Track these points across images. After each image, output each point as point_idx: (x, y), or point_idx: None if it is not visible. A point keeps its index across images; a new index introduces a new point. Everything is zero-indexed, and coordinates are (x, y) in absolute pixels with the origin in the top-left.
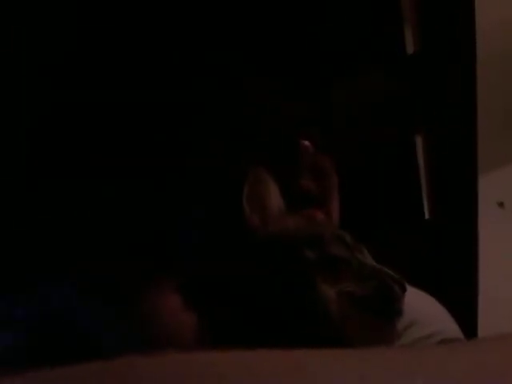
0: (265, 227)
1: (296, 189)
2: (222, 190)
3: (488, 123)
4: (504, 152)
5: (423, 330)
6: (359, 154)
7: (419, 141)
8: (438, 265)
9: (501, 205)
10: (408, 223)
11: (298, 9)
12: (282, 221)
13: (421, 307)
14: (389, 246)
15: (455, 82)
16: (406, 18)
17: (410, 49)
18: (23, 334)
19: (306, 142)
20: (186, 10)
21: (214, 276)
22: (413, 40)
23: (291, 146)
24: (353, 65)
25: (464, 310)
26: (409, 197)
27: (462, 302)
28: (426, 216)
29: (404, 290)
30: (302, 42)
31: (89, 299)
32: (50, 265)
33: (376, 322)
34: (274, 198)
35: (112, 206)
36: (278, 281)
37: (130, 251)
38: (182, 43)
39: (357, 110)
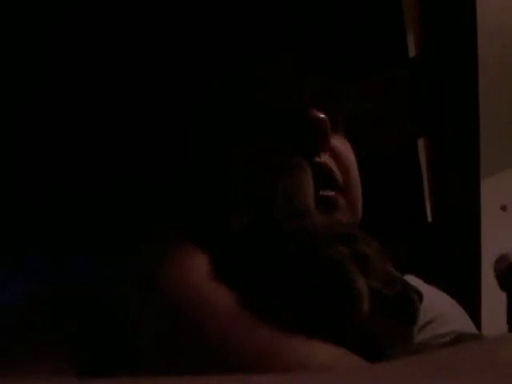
0: (295, 221)
1: (314, 167)
2: (256, 178)
3: (491, 127)
4: (507, 156)
5: (443, 327)
6: (361, 157)
7: (421, 144)
8: (440, 268)
9: (504, 208)
10: (410, 226)
11: (298, 11)
12: (311, 216)
13: (442, 306)
14: (391, 249)
15: (457, 86)
16: (407, 21)
17: (411, 52)
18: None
19: (323, 116)
20: None
21: (247, 262)
22: (414, 43)
23: (307, 121)
24: (354, 68)
25: (467, 311)
26: (411, 200)
27: (465, 305)
28: (429, 219)
29: (421, 300)
30: (301, 46)
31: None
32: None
33: (395, 325)
34: (307, 192)
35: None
36: (315, 270)
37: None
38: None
39: (358, 114)
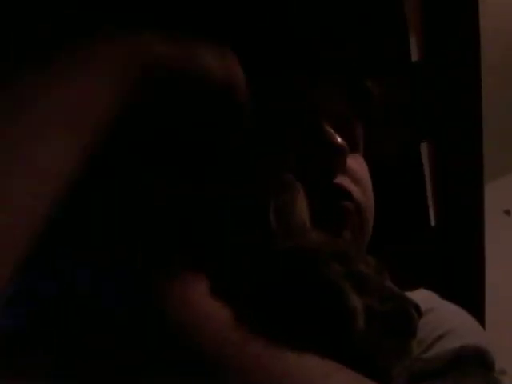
0: (289, 239)
1: (331, 189)
2: (247, 198)
3: (493, 130)
4: (510, 160)
5: (454, 342)
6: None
7: (424, 148)
8: (444, 272)
9: (507, 212)
10: (414, 230)
11: (298, 14)
12: (306, 234)
13: (455, 321)
14: (394, 253)
15: (460, 90)
16: (410, 25)
17: (414, 56)
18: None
19: (341, 141)
20: None
21: (242, 281)
22: (417, 47)
23: (322, 145)
24: (356, 73)
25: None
26: (414, 204)
27: (468, 309)
28: (432, 223)
29: (420, 314)
30: (300, 49)
31: (111, 283)
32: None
33: (392, 340)
34: (301, 209)
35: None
36: (308, 289)
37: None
38: None
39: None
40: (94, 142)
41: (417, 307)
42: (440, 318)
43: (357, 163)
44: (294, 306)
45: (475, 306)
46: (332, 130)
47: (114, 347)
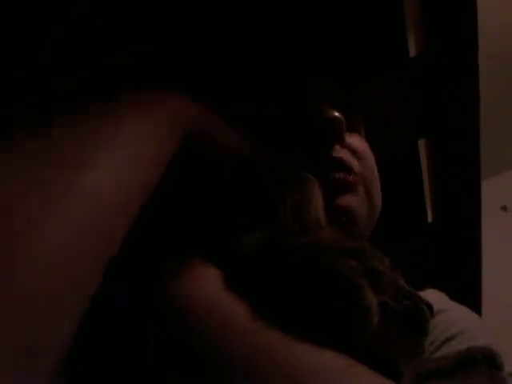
0: (305, 235)
1: (331, 161)
2: (264, 195)
3: (491, 127)
4: (508, 156)
5: (464, 343)
6: None
7: (422, 145)
8: (441, 269)
9: (504, 208)
10: (411, 227)
11: (296, 15)
12: (322, 230)
13: (465, 322)
14: (392, 251)
15: (458, 86)
16: (408, 21)
17: (412, 52)
18: None
19: (338, 114)
20: None
21: (259, 277)
22: (415, 43)
23: (323, 118)
24: (354, 71)
25: None
26: (411, 201)
27: (464, 305)
28: (430, 220)
29: (432, 313)
30: (300, 49)
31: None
32: None
33: (405, 337)
34: (316, 205)
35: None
36: (326, 285)
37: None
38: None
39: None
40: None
41: (430, 307)
42: (450, 319)
43: (356, 140)
44: (309, 301)
45: (472, 303)
46: (329, 108)
47: (123, 344)
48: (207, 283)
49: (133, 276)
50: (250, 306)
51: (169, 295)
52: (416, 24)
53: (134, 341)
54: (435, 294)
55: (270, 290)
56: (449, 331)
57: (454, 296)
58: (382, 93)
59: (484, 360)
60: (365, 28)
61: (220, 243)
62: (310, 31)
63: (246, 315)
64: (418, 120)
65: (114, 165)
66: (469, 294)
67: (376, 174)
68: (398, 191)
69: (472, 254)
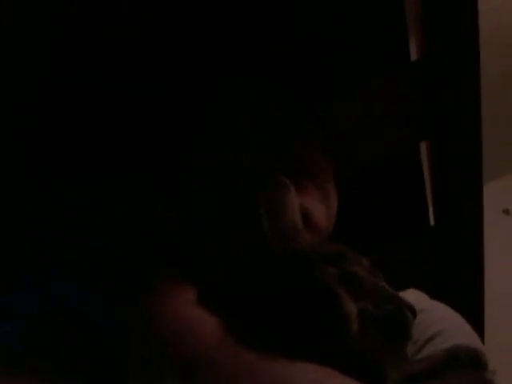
0: (283, 242)
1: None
2: (238, 199)
3: (493, 130)
4: (510, 159)
5: (444, 342)
6: (363, 161)
7: (423, 148)
8: (443, 272)
9: (506, 212)
10: (413, 230)
11: (297, 16)
12: (299, 236)
13: (444, 321)
14: (393, 253)
15: (459, 89)
16: (409, 24)
17: (413, 56)
18: (23, 322)
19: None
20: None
21: (234, 287)
22: (416, 47)
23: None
24: (355, 72)
25: (470, 316)
26: (413, 203)
27: (467, 308)
28: (432, 223)
29: (415, 316)
30: (301, 50)
31: (93, 296)
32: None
33: (387, 342)
34: (293, 210)
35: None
36: (302, 294)
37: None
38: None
39: (359, 118)
40: None
41: (412, 309)
42: (431, 318)
43: (307, 200)
44: (286, 311)
45: (474, 305)
46: None
47: (102, 358)
48: (178, 301)
49: (107, 287)
50: (221, 321)
51: (141, 309)
52: (417, 24)
53: (107, 351)
54: (415, 293)
55: (246, 300)
56: (430, 330)
57: (457, 299)
58: (382, 93)
59: (468, 360)
60: (365, 28)
61: (196, 252)
62: (310, 31)
63: (220, 331)
64: (419, 121)
65: None
66: (471, 297)
67: (334, 187)
68: (400, 194)
69: (474, 257)
